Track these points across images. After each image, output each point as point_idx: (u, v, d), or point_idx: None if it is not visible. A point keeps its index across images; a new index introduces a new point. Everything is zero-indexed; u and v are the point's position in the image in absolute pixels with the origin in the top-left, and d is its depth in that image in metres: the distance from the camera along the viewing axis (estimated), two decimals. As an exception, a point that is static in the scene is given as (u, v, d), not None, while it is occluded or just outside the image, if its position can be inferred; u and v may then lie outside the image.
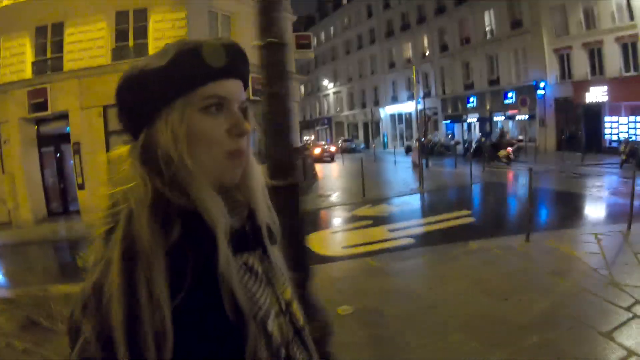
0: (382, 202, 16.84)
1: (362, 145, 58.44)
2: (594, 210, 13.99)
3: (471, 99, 43.24)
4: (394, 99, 55.63)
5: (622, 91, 29.86)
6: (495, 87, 40.16)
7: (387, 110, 56.31)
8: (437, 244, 10.39)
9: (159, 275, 0.82)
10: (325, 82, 70.37)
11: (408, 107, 53.06)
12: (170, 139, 0.94)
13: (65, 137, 19.19)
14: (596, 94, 31.62)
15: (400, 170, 28.35)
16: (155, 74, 0.95)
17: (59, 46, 19.07)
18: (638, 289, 6.50)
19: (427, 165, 27.39)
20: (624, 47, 30.19)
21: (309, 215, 14.42)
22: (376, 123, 60.19)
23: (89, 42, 18.58)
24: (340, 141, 58.65)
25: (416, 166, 26.81)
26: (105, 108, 17.76)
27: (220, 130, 0.98)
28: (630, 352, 4.69)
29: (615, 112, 31.53)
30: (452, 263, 8.65)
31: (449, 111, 46.62)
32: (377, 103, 59.59)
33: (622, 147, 24.16)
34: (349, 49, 65.89)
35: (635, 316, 5.61)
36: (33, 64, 19.39)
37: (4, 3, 19.18)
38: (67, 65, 18.81)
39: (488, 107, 41.03)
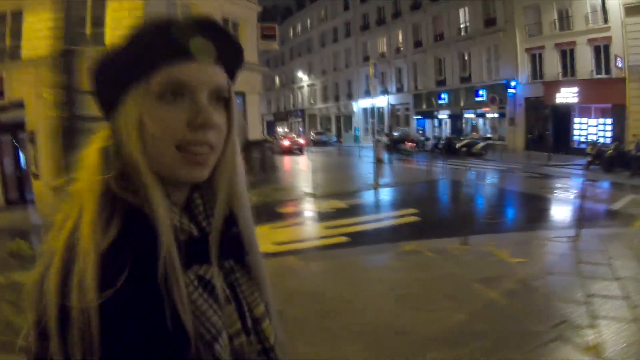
0: (331, 197, 16.23)
1: (334, 138, 57.53)
2: (548, 214, 13.52)
3: (443, 96, 42.78)
4: (367, 93, 54.48)
5: (593, 93, 29.74)
6: (467, 84, 39.71)
7: (360, 104, 55.52)
8: (372, 244, 10.05)
9: (90, 273, 0.76)
10: (300, 74, 69.45)
11: (380, 101, 52.66)
12: (122, 127, 0.87)
13: (22, 126, 18.61)
14: (566, 95, 31.39)
15: (362, 165, 27.62)
16: (114, 56, 0.88)
17: (18, 35, 18.56)
18: (570, 305, 5.89)
19: (390, 161, 26.90)
20: (596, 49, 29.93)
21: (253, 209, 13.72)
22: (349, 117, 59.67)
23: (46, 31, 17.44)
24: (311, 134, 58.20)
25: (379, 162, 26.42)
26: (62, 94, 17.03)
27: (176, 120, 0.86)
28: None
29: (584, 113, 31.33)
30: (375, 265, 8.34)
31: (421, 107, 46.08)
32: (350, 97, 58.91)
33: (589, 149, 23.91)
34: (324, 41, 65.02)
35: (559, 337, 4.96)
36: (-9, 52, 19.10)
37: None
38: (25, 53, 18.33)
39: (460, 104, 40.66)
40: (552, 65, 32.61)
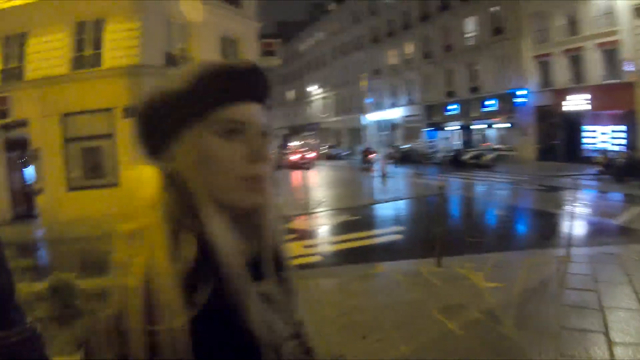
0: (321, 215, 15.67)
1: (346, 152, 56.74)
2: (543, 231, 12.51)
3: (452, 107, 41.93)
4: (379, 106, 54.22)
5: (603, 99, 28.61)
6: (477, 94, 38.80)
7: (371, 117, 54.81)
8: (346, 264, 9.51)
9: (176, 298, 0.82)
10: (312, 88, 69.07)
11: (392, 114, 51.97)
12: (185, 162, 0.94)
13: (26, 144, 18.84)
14: (576, 102, 30.41)
15: (367, 179, 26.80)
16: (174, 96, 0.94)
17: (21, 56, 18.91)
18: (538, 340, 5.18)
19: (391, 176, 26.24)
20: (606, 54, 28.90)
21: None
22: (360, 130, 58.54)
23: (49, 52, 18.34)
24: (324, 147, 57.54)
25: (383, 176, 25.83)
26: (64, 116, 17.92)
27: (237, 156, 0.95)
28: None
29: (596, 120, 30.18)
30: (334, 288, 7.75)
31: (431, 119, 45.16)
32: (361, 110, 57.87)
33: (599, 158, 22.99)
34: (336, 55, 64.55)
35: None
36: (-1, 72, 19.41)
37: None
38: (29, 74, 18.58)
39: (469, 115, 39.73)
40: (561, 72, 31.65)
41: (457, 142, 41.12)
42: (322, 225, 14.10)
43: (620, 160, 21.52)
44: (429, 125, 45.73)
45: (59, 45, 18.24)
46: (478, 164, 30.91)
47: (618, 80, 27.95)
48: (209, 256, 0.88)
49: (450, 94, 42.67)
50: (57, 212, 17.14)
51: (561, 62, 31.66)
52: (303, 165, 39.02)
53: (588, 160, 27.16)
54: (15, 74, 18.90)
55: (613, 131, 29.06)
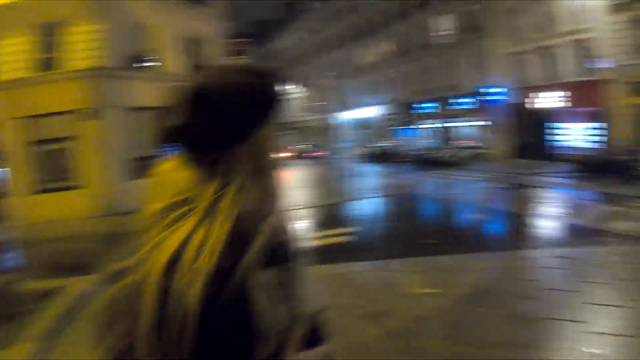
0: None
1: (325, 150, 55.57)
2: (502, 233, 12.02)
3: (429, 105, 41.29)
4: (358, 104, 53.60)
5: (577, 96, 28.07)
6: (452, 92, 38.00)
7: (350, 115, 54.11)
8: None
9: (198, 284, 0.85)
10: (292, 87, 68.18)
11: (370, 112, 51.30)
12: (258, 155, 1.03)
13: None
14: (550, 100, 29.83)
15: (338, 178, 26.07)
16: (271, 95, 1.06)
17: None
18: (456, 352, 4.61)
19: (362, 174, 25.53)
20: (579, 51, 28.22)
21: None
22: (339, 128, 58.19)
23: (13, 55, 17.89)
24: (302, 146, 56.69)
25: (353, 174, 25.22)
26: (28, 118, 17.62)
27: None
28: None
29: (570, 118, 29.49)
30: None
31: (408, 116, 44.46)
32: (341, 108, 57.57)
33: (572, 155, 22.52)
34: (316, 53, 63.49)
35: None
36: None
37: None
38: None
39: (445, 112, 39.17)
40: (534, 70, 31.07)
41: (433, 140, 40.48)
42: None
43: (594, 158, 21.06)
44: (406, 123, 45.09)
45: (23, 48, 17.91)
46: (452, 162, 30.39)
47: (591, 78, 27.32)
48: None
49: (426, 92, 41.93)
50: (24, 215, 16.50)
51: (535, 60, 31.06)
52: None
53: (562, 158, 26.56)
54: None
55: (586, 128, 28.52)
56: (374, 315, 5.78)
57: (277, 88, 1.05)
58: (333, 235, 11.41)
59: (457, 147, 33.70)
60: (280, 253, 1.05)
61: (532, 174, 23.60)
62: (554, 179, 21.48)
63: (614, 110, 26.17)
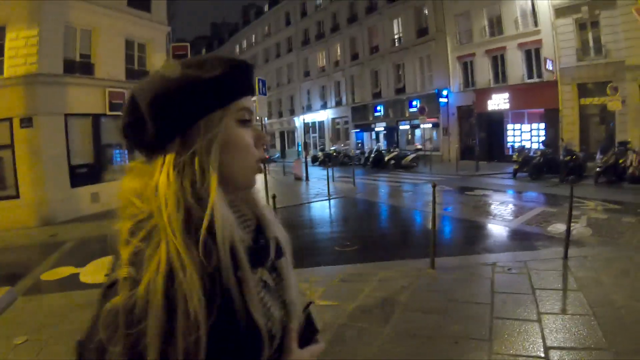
0: None
1: (277, 155, 54.45)
2: (425, 238, 10.99)
3: (379, 108, 40.51)
4: (309, 108, 52.41)
5: (524, 98, 27.87)
6: (402, 95, 37.51)
7: (302, 119, 53.11)
8: None
9: (197, 296, 0.81)
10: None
11: (321, 115, 50.40)
12: (205, 147, 0.94)
13: None
14: (498, 102, 29.47)
15: (281, 184, 24.72)
16: (201, 84, 0.94)
17: None
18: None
19: (307, 179, 24.29)
20: (527, 53, 28.22)
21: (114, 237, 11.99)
22: (292, 132, 57.07)
23: None
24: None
25: (298, 179, 24.20)
26: None
27: (251, 140, 1.03)
28: None
29: (518, 119, 29.46)
30: None
31: (359, 120, 43.68)
32: (293, 112, 56.18)
33: (515, 156, 21.87)
34: (268, 57, 62.28)
35: None
36: None
37: None
38: None
39: (395, 115, 38.60)
40: (483, 72, 30.83)
41: (383, 143, 39.68)
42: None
43: (536, 158, 20.50)
44: (357, 126, 44.27)
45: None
46: (399, 165, 29.53)
47: (540, 80, 27.28)
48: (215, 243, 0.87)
49: (376, 95, 41.33)
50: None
51: (484, 62, 30.79)
52: None
53: (510, 159, 26.22)
54: None
55: (534, 129, 28.33)
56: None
57: (215, 76, 0.95)
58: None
59: (407, 150, 32.95)
60: (269, 250, 1.05)
61: (476, 176, 23.01)
62: (497, 181, 20.80)
63: (561, 111, 25.98)
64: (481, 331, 4.83)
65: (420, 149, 32.56)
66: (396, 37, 38.94)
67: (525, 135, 28.67)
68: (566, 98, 25.76)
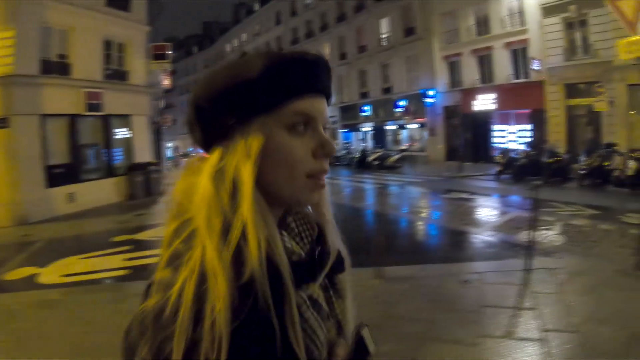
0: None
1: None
2: (387, 244, 10.22)
3: (366, 108, 39.88)
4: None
5: (511, 98, 27.13)
6: (389, 95, 36.80)
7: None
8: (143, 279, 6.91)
9: (223, 306, 0.73)
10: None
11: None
12: (243, 156, 0.84)
13: None
14: (484, 102, 28.81)
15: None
16: (242, 86, 0.85)
17: None
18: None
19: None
20: (514, 53, 27.51)
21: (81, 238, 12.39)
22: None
23: None
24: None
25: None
26: None
27: (304, 150, 0.88)
28: None
29: (504, 120, 28.75)
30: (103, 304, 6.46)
31: (347, 120, 43.06)
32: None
33: (499, 157, 21.21)
34: (258, 56, 61.57)
35: None
36: None
37: None
38: None
39: (382, 115, 37.91)
40: (470, 72, 30.14)
41: (369, 143, 39.24)
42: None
43: (520, 160, 19.89)
44: (345, 126, 43.65)
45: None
46: (383, 166, 28.84)
47: (526, 80, 26.60)
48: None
49: (364, 95, 40.74)
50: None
51: (470, 62, 30.12)
52: None
53: (495, 160, 25.66)
54: None
55: (520, 130, 27.67)
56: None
57: (251, 77, 0.84)
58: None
59: (393, 150, 32.48)
60: (324, 264, 0.95)
61: (460, 177, 22.44)
62: (478, 183, 20.25)
63: (548, 111, 25.37)
64: (408, 355, 4.22)
65: (405, 150, 31.99)
66: (384, 36, 38.32)
67: (512, 136, 28.02)
68: (553, 98, 25.13)
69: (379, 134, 39.16)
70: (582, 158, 17.58)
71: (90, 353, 4.74)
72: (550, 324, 4.87)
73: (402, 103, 33.66)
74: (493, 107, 28.50)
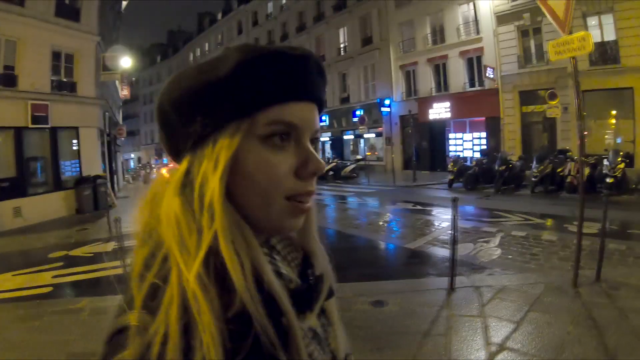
0: (112, 240, 11.73)
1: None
2: None
3: (324, 117, 38.91)
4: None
5: (466, 106, 26.69)
6: (346, 105, 36.18)
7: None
8: (80, 295, 7.32)
9: (214, 343, 0.60)
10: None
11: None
12: (213, 166, 0.69)
13: None
14: (440, 110, 28.27)
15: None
16: (208, 87, 0.70)
17: None
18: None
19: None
20: (469, 62, 27.14)
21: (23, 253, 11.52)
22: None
23: None
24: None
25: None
26: None
27: (284, 167, 0.72)
28: None
29: (460, 128, 28.29)
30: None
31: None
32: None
33: (450, 166, 20.46)
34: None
35: None
36: None
37: None
38: None
39: (340, 125, 37.38)
40: (426, 81, 29.73)
41: (326, 153, 38.68)
42: (94, 252, 10.90)
43: (472, 168, 19.24)
44: (304, 137, 42.83)
45: None
46: (338, 176, 27.94)
47: (481, 88, 26.21)
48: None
49: (321, 105, 40.09)
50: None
51: (426, 71, 29.71)
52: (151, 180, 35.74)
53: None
54: None
55: (475, 138, 27.18)
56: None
57: (217, 78, 0.69)
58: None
59: (348, 160, 31.95)
60: (320, 290, 0.82)
61: (413, 187, 21.73)
62: (430, 192, 19.45)
63: (502, 119, 24.92)
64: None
65: (361, 160, 31.24)
66: (342, 46, 37.88)
67: (467, 144, 27.54)
68: (507, 106, 24.72)
69: (337, 144, 38.59)
70: (534, 165, 16.93)
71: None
72: (457, 353, 3.91)
73: (359, 112, 33.15)
74: (448, 115, 28.00)
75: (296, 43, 42.14)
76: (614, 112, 20.74)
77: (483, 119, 26.38)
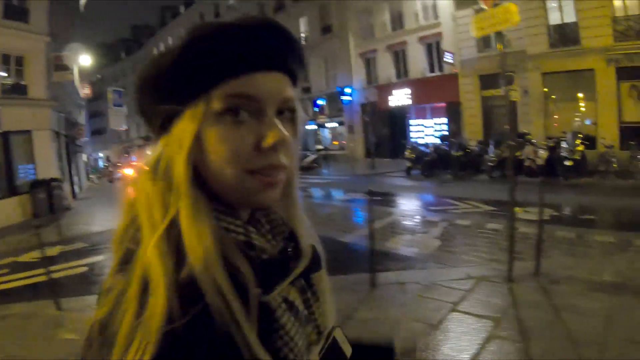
0: (66, 242, 11.60)
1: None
2: None
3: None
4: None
5: (426, 92, 26.11)
6: (308, 94, 35.03)
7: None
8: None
9: (161, 309, 0.60)
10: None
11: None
12: (178, 147, 0.70)
13: None
14: (400, 97, 27.63)
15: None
16: (164, 72, 0.70)
17: None
18: None
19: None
20: (428, 47, 26.54)
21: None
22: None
23: None
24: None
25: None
26: None
27: (240, 142, 0.69)
28: None
29: (420, 114, 27.70)
30: None
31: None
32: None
33: (408, 153, 19.72)
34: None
35: None
36: None
37: None
38: None
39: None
40: (385, 68, 29.11)
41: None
42: (39, 257, 9.99)
43: (429, 155, 18.55)
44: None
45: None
46: (304, 166, 27.21)
47: (441, 73, 25.65)
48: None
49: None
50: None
51: (385, 58, 29.05)
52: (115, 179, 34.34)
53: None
54: None
55: (436, 124, 26.60)
56: None
57: (172, 59, 0.68)
58: (73, 267, 8.61)
59: (310, 151, 31.22)
60: (297, 262, 0.80)
61: (372, 175, 21.30)
62: (388, 180, 18.95)
63: (462, 104, 24.44)
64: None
65: (322, 149, 30.58)
66: (302, 35, 36.90)
67: (429, 131, 26.93)
68: (467, 90, 24.17)
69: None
70: (491, 149, 16.25)
71: None
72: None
73: (320, 102, 32.45)
74: (409, 102, 27.38)
75: (257, 34, 41.49)
76: (580, 95, 20.20)
77: (444, 104, 25.82)
